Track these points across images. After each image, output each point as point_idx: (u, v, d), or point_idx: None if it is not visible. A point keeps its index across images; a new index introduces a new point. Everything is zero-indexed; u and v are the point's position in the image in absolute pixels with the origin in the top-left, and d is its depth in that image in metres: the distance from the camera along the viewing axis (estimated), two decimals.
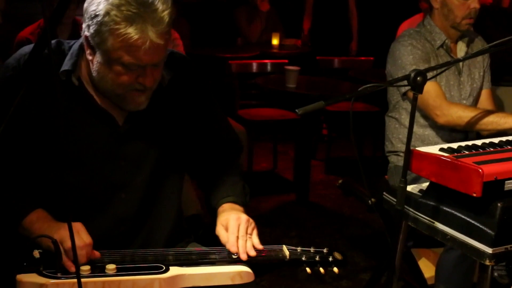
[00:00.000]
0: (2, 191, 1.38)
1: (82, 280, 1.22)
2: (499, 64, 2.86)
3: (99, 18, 1.27)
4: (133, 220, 1.46)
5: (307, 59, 4.94)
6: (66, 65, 1.38)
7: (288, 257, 1.40)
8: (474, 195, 1.38)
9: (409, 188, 1.63)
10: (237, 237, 1.37)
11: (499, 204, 1.39)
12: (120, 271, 1.28)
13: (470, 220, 1.43)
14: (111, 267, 1.28)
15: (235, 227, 1.38)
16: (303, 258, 1.40)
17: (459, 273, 2.12)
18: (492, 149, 1.60)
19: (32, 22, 3.58)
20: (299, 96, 3.56)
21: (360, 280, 2.78)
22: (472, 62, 2.40)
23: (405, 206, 1.56)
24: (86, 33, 1.32)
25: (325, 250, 1.43)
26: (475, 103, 2.41)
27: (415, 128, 2.32)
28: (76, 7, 3.45)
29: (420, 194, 1.60)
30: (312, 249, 1.43)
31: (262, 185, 4.06)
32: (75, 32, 3.42)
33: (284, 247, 1.42)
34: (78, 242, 1.27)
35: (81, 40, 1.39)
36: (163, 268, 1.30)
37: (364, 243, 3.25)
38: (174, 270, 1.30)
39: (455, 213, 1.47)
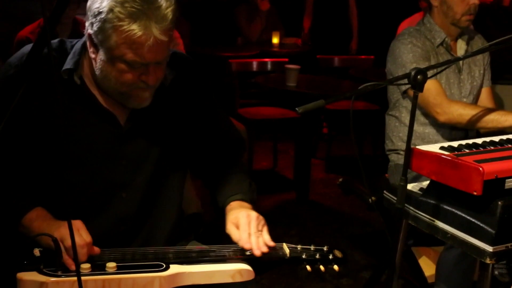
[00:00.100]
0: (2, 190, 1.38)
1: (83, 278, 1.22)
2: (499, 62, 2.86)
3: (102, 15, 1.27)
4: (134, 219, 1.46)
5: (308, 58, 4.94)
6: (68, 64, 1.38)
7: (288, 255, 1.40)
8: (475, 193, 1.38)
9: (410, 186, 1.63)
10: (249, 234, 1.37)
11: (499, 203, 1.39)
12: (120, 269, 1.28)
13: (471, 219, 1.43)
14: (111, 265, 1.28)
15: (246, 224, 1.39)
16: (303, 256, 1.40)
17: (459, 272, 2.12)
18: (492, 148, 1.59)
19: (32, 21, 3.58)
20: (299, 95, 3.56)
21: (361, 278, 2.79)
22: (472, 60, 2.40)
23: (406, 205, 1.56)
24: (90, 31, 1.32)
25: (325, 248, 1.44)
26: (475, 101, 2.41)
27: (415, 126, 2.32)
28: (76, 6, 3.44)
29: (421, 193, 1.60)
30: (312, 247, 1.43)
31: (262, 184, 4.06)
32: (76, 31, 3.42)
33: (285, 245, 1.42)
34: (78, 240, 1.27)
35: (84, 39, 1.39)
36: (163, 266, 1.30)
37: (364, 241, 3.25)
38: (174, 268, 1.30)
39: (456, 211, 1.47)
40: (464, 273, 2.12)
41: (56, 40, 1.44)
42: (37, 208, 1.37)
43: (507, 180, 1.43)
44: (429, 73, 1.47)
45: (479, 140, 1.65)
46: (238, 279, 1.33)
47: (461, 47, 2.37)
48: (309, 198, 3.82)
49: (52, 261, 1.26)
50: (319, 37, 5.33)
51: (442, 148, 1.56)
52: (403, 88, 2.31)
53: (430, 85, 2.15)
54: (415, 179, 1.90)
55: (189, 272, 1.31)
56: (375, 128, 4.19)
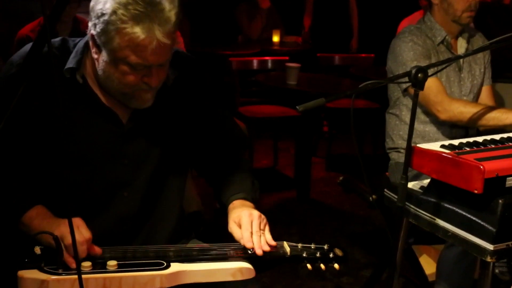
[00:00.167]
0: (2, 188, 1.38)
1: (84, 276, 1.23)
2: (499, 60, 2.86)
3: (105, 17, 1.27)
4: (135, 218, 1.46)
5: (308, 56, 4.94)
6: (71, 63, 1.38)
7: (289, 254, 1.40)
8: (476, 191, 1.38)
9: (410, 184, 1.63)
10: (251, 233, 1.37)
11: (500, 201, 1.39)
12: (121, 268, 1.28)
13: (471, 217, 1.43)
14: (112, 263, 1.28)
15: (248, 223, 1.39)
16: (304, 255, 1.40)
17: (460, 270, 2.12)
18: (493, 146, 1.59)
19: (32, 19, 3.58)
20: (300, 93, 3.55)
21: (361, 276, 2.79)
22: (473, 58, 2.39)
23: (406, 203, 1.56)
24: (92, 32, 1.32)
25: (325, 247, 1.44)
26: (475, 99, 2.41)
27: (416, 125, 2.32)
28: (77, 5, 3.44)
29: (421, 191, 1.60)
30: (312, 246, 1.43)
31: (262, 182, 4.04)
32: (76, 30, 3.42)
33: (285, 244, 1.43)
34: (78, 237, 1.27)
35: (86, 38, 1.39)
36: (164, 264, 1.30)
37: (365, 240, 3.25)
38: (175, 267, 1.30)
39: (456, 209, 1.47)
40: (465, 271, 2.12)
41: (58, 39, 1.44)
42: (37, 206, 1.37)
43: (508, 178, 1.43)
44: (430, 71, 1.47)
45: (480, 139, 1.65)
46: (239, 277, 1.33)
47: (461, 46, 2.37)
48: (309, 197, 3.82)
49: (53, 259, 1.26)
50: (319, 35, 5.33)
51: (442, 146, 1.56)
52: (404, 86, 2.31)
53: (431, 83, 2.15)
54: (415, 178, 1.89)
55: (190, 270, 1.31)
56: (375, 126, 4.19)
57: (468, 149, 1.56)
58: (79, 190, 1.40)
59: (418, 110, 2.30)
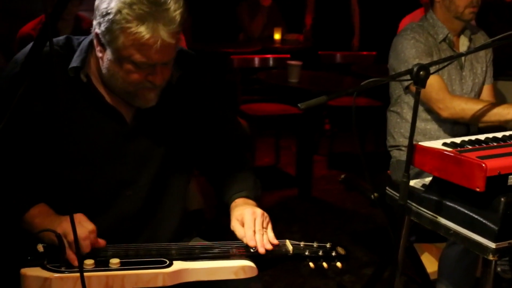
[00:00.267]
0: (5, 186, 1.39)
1: (86, 274, 1.23)
2: (501, 58, 2.85)
3: (110, 16, 1.27)
4: (138, 217, 1.46)
5: (309, 54, 4.93)
6: (75, 61, 1.38)
7: (291, 252, 1.40)
8: (477, 189, 1.38)
9: (412, 182, 1.63)
10: (254, 231, 1.37)
11: (502, 199, 1.39)
12: (124, 266, 1.28)
13: (473, 215, 1.43)
14: (115, 261, 1.28)
15: (251, 221, 1.39)
16: (306, 253, 1.40)
17: (462, 268, 2.12)
18: (495, 144, 1.59)
19: (34, 17, 3.57)
20: (301, 91, 3.55)
21: (363, 275, 2.79)
22: (474, 56, 2.39)
23: (408, 201, 1.56)
24: (97, 31, 1.32)
25: (328, 245, 1.44)
26: (477, 98, 2.41)
27: (417, 122, 2.31)
28: (79, 3, 3.44)
29: (423, 189, 1.60)
30: (315, 244, 1.43)
31: (264, 180, 4.04)
32: (77, 28, 3.42)
33: (288, 242, 1.43)
34: (81, 232, 1.27)
35: (91, 36, 1.39)
36: (166, 262, 1.31)
37: (366, 238, 3.25)
38: (177, 265, 1.30)
39: (458, 207, 1.47)
40: (467, 269, 2.12)
41: (62, 37, 1.44)
42: (39, 205, 1.37)
43: (510, 176, 1.43)
44: (432, 69, 1.47)
45: (481, 136, 1.65)
46: (241, 275, 1.33)
47: (463, 44, 2.37)
48: (311, 195, 3.82)
49: (56, 256, 1.27)
50: (321, 33, 5.32)
51: (444, 144, 1.56)
52: (405, 84, 2.31)
53: (433, 81, 2.15)
54: (417, 176, 1.89)
55: (193, 269, 1.31)
56: (377, 124, 4.18)
57: (470, 147, 1.56)
58: (83, 189, 1.40)
59: (420, 108, 2.30)
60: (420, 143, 1.56)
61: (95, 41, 1.35)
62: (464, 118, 2.18)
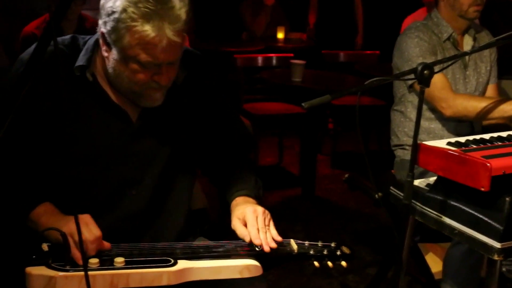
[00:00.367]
0: (10, 185, 1.39)
1: (91, 273, 1.23)
2: (505, 57, 2.85)
3: (116, 15, 1.27)
4: (143, 217, 1.46)
5: (313, 53, 4.93)
6: (81, 60, 1.38)
7: (296, 251, 1.40)
8: (482, 189, 1.38)
9: (416, 182, 1.63)
10: (258, 230, 1.37)
11: (507, 199, 1.38)
12: (128, 264, 1.28)
13: (478, 215, 1.43)
14: (119, 260, 1.28)
15: (253, 219, 1.38)
16: (311, 252, 1.40)
17: (466, 268, 2.12)
18: (500, 143, 1.59)
19: (36, 17, 3.58)
20: (305, 90, 3.55)
21: (367, 274, 2.78)
22: (479, 56, 2.39)
23: (412, 201, 1.55)
24: (103, 30, 1.32)
25: (332, 244, 1.43)
26: (488, 96, 2.40)
27: (421, 121, 2.31)
28: (82, 2, 3.45)
29: (428, 189, 1.59)
30: (320, 243, 1.43)
31: (267, 180, 4.05)
32: (81, 27, 3.43)
33: (292, 241, 1.42)
34: (88, 235, 1.27)
35: (96, 35, 1.39)
36: (171, 261, 1.31)
37: (370, 237, 3.25)
38: (182, 264, 1.30)
39: (463, 207, 1.47)
40: (472, 269, 2.12)
41: (68, 36, 1.44)
42: (45, 203, 1.37)
43: None
44: (436, 68, 1.47)
45: (486, 136, 1.64)
46: (246, 274, 1.33)
47: (467, 43, 2.36)
48: (314, 194, 3.82)
49: (61, 255, 1.27)
50: (324, 32, 5.31)
51: (449, 143, 1.56)
52: (409, 82, 2.30)
53: (436, 79, 2.14)
54: (421, 175, 1.89)
55: (197, 268, 1.31)
56: (380, 123, 4.18)
57: (474, 146, 1.55)
58: (87, 188, 1.40)
59: (424, 107, 2.29)
60: (424, 142, 1.55)
61: (100, 41, 1.35)
62: (467, 116, 2.17)
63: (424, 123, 2.34)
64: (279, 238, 1.38)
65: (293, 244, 1.41)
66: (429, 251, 2.65)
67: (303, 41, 5.47)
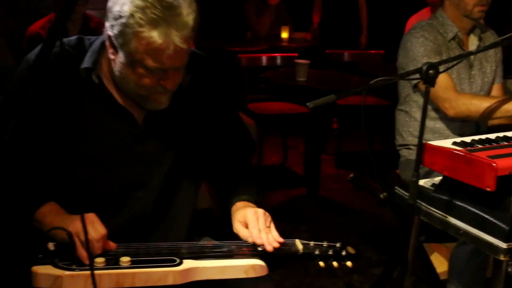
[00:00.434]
0: (16, 185, 1.39)
1: (97, 272, 1.23)
2: (510, 57, 2.84)
3: (123, 20, 1.26)
4: (149, 218, 1.46)
5: (317, 52, 4.93)
6: (87, 62, 1.38)
7: (301, 251, 1.40)
8: (488, 189, 1.37)
9: (422, 182, 1.62)
10: (259, 230, 1.37)
11: None
12: (134, 264, 1.28)
13: (484, 215, 1.42)
14: (125, 259, 1.28)
15: (255, 220, 1.38)
16: (317, 252, 1.40)
17: (472, 268, 2.11)
18: (506, 143, 1.58)
19: (41, 16, 3.59)
20: (309, 90, 3.55)
21: (371, 274, 2.78)
22: (484, 56, 2.38)
23: (418, 201, 1.55)
24: (109, 33, 1.32)
25: (338, 244, 1.43)
26: (485, 95, 2.40)
27: (426, 121, 2.31)
28: (85, 2, 3.45)
29: (433, 188, 1.59)
30: (325, 243, 1.43)
31: (272, 180, 4.06)
32: (85, 27, 3.44)
33: (297, 241, 1.42)
34: (93, 233, 1.28)
35: (102, 37, 1.39)
36: (177, 261, 1.31)
37: (375, 237, 3.24)
38: (188, 263, 1.30)
39: (469, 207, 1.46)
40: (477, 269, 2.12)
41: (74, 37, 1.44)
42: (50, 203, 1.38)
43: None
44: (441, 67, 1.47)
45: (492, 135, 1.64)
46: (252, 274, 1.33)
47: (473, 43, 2.36)
48: (319, 194, 3.82)
49: (67, 255, 1.27)
50: (328, 31, 5.31)
51: (454, 143, 1.56)
52: (414, 82, 2.30)
53: (439, 79, 2.12)
54: (427, 175, 1.89)
55: (203, 267, 1.31)
56: (385, 123, 4.17)
57: (480, 146, 1.55)
58: (93, 189, 1.40)
59: (428, 107, 2.29)
60: (429, 142, 1.55)
61: (107, 43, 1.35)
62: (470, 116, 2.17)
63: (429, 123, 2.34)
64: (280, 240, 1.38)
65: (299, 244, 1.41)
66: (434, 251, 2.64)
67: (307, 40, 5.46)
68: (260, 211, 1.42)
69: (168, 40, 1.26)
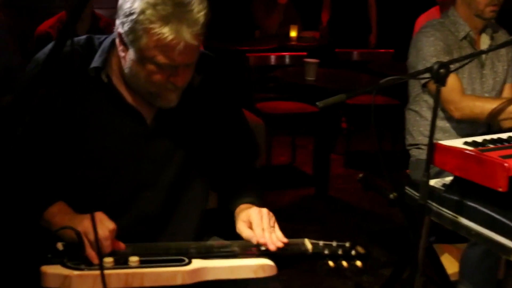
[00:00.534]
0: (25, 184, 1.39)
1: (106, 272, 1.23)
2: None
3: (134, 16, 1.26)
4: (157, 219, 1.46)
5: (326, 51, 4.91)
6: (96, 62, 1.38)
7: (310, 251, 1.39)
8: (500, 189, 1.36)
9: (432, 182, 1.61)
10: (263, 229, 1.36)
11: None
12: (143, 264, 1.28)
13: (496, 215, 1.41)
14: (134, 259, 1.28)
15: (259, 219, 1.38)
16: (326, 252, 1.39)
17: (483, 269, 2.09)
18: None
19: (50, 16, 3.60)
20: (318, 89, 3.53)
21: (381, 275, 2.77)
22: (496, 55, 2.36)
23: (428, 201, 1.54)
24: (120, 30, 1.32)
25: (347, 244, 1.42)
26: (492, 96, 2.37)
27: (436, 120, 2.29)
28: (91, 2, 3.45)
29: (444, 189, 1.58)
30: (334, 243, 1.42)
31: (280, 179, 4.05)
32: (94, 26, 3.44)
33: (307, 241, 1.41)
34: (102, 232, 1.27)
35: (112, 36, 1.39)
36: (186, 260, 1.30)
37: (384, 238, 3.23)
38: (196, 263, 1.30)
39: (480, 208, 1.45)
40: (489, 271, 2.10)
41: (83, 37, 1.44)
42: (58, 203, 1.37)
43: None
44: (451, 67, 1.45)
45: (504, 135, 1.62)
46: (261, 274, 1.33)
47: (484, 42, 2.34)
48: (328, 194, 3.81)
49: (76, 254, 1.27)
50: (337, 30, 5.29)
51: (466, 143, 1.54)
52: (423, 81, 2.29)
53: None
54: (437, 175, 1.87)
55: (212, 267, 1.31)
56: (394, 123, 4.15)
57: (492, 146, 1.54)
58: (101, 189, 1.40)
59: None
60: (440, 141, 1.54)
61: (117, 40, 1.35)
62: (474, 118, 2.18)
63: (439, 122, 2.32)
64: (284, 240, 1.37)
65: (308, 243, 1.41)
66: (445, 252, 2.62)
67: (316, 39, 5.44)
68: (264, 210, 1.41)
69: (179, 37, 1.26)
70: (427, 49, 2.24)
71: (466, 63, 2.16)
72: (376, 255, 2.97)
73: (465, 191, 1.50)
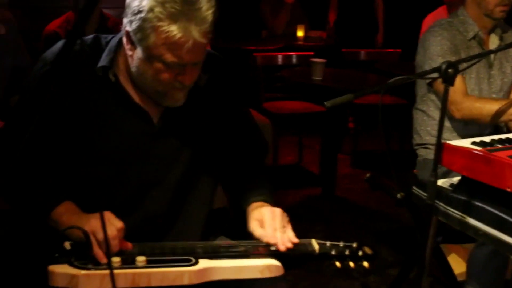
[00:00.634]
0: (32, 184, 1.40)
1: (113, 271, 1.23)
2: None
3: (142, 14, 1.26)
4: (164, 218, 1.46)
5: (333, 51, 4.90)
6: (103, 61, 1.38)
7: (317, 251, 1.39)
8: (508, 190, 1.36)
9: (440, 182, 1.60)
10: (274, 229, 1.36)
11: None
12: (150, 263, 1.28)
13: (504, 216, 1.40)
14: (141, 259, 1.28)
15: (271, 219, 1.38)
16: (333, 252, 1.39)
17: (491, 270, 2.09)
18: None
19: (58, 15, 3.61)
20: (325, 89, 3.53)
21: (388, 275, 2.76)
22: (504, 56, 2.35)
23: (436, 201, 1.53)
24: (128, 28, 1.32)
25: (354, 245, 1.42)
26: (506, 97, 2.36)
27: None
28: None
29: (451, 189, 1.57)
30: (341, 244, 1.42)
31: (287, 179, 4.05)
32: (102, 26, 3.45)
33: (313, 241, 1.41)
34: (111, 231, 1.27)
35: (120, 35, 1.39)
36: (192, 260, 1.31)
37: (391, 238, 3.22)
38: (203, 263, 1.30)
39: (488, 208, 1.44)
40: (496, 271, 2.09)
41: (90, 36, 1.45)
42: (66, 202, 1.38)
43: None
44: (460, 66, 1.45)
45: None
46: (267, 274, 1.33)
47: (493, 42, 2.33)
48: (335, 194, 3.80)
49: (83, 254, 1.28)
50: (344, 30, 5.28)
51: (473, 143, 1.54)
52: (428, 81, 2.28)
53: None
54: (445, 175, 1.86)
55: (218, 267, 1.31)
56: (401, 123, 4.14)
57: (500, 146, 1.53)
58: (108, 188, 1.40)
59: None
60: (448, 141, 1.53)
61: (125, 39, 1.35)
62: (475, 119, 2.18)
63: (447, 122, 2.31)
64: (295, 240, 1.37)
65: (315, 244, 1.40)
66: (452, 252, 2.61)
67: (323, 39, 5.44)
68: (278, 210, 1.41)
69: (188, 35, 1.26)
70: (434, 48, 2.24)
71: (474, 63, 2.15)
72: (383, 255, 2.96)
73: (473, 191, 1.49)
